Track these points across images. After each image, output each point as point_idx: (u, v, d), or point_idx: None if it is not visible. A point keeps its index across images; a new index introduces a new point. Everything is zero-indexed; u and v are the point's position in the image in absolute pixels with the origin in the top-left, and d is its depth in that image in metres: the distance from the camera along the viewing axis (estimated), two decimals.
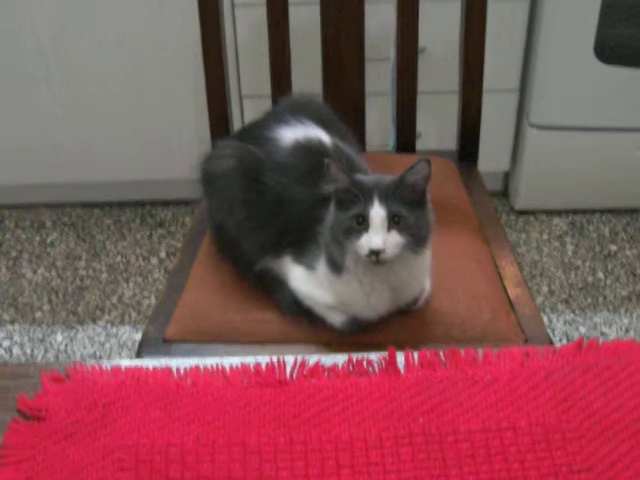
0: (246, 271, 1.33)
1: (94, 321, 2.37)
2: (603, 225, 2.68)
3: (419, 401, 0.87)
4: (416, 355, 0.93)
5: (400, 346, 0.95)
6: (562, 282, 2.47)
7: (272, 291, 1.31)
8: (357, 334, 1.25)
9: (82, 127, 2.53)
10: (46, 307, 2.42)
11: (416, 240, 1.12)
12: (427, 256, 1.21)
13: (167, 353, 1.28)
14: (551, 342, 1.28)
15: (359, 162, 1.33)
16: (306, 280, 1.26)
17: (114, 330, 2.34)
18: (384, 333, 1.25)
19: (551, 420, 0.85)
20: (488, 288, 1.36)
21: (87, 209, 2.80)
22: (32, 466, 0.81)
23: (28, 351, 2.27)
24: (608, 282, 2.47)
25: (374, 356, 0.93)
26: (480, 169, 1.73)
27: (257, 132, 1.34)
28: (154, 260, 2.59)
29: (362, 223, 1.09)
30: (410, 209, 1.10)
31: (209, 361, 0.93)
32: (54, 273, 2.53)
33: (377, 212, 1.09)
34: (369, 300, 1.21)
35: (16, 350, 2.28)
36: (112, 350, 2.27)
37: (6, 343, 2.30)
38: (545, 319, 2.29)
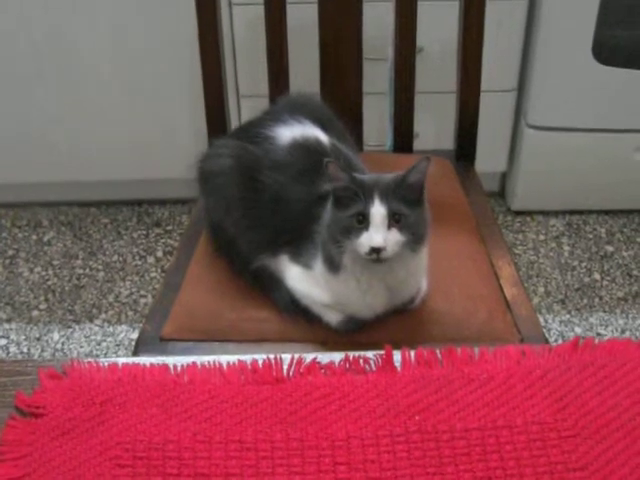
0: (243, 270, 1.33)
1: (91, 320, 2.37)
2: (600, 226, 2.69)
3: (415, 399, 0.87)
4: (413, 353, 0.93)
5: (396, 345, 0.95)
6: (558, 283, 2.47)
7: (269, 290, 1.32)
8: (353, 333, 1.26)
9: (79, 126, 2.52)
10: (43, 306, 2.42)
11: (415, 238, 1.12)
12: (424, 255, 1.21)
13: (164, 352, 1.28)
14: (547, 342, 1.28)
15: (357, 161, 1.34)
16: (303, 279, 1.26)
17: (111, 329, 2.34)
18: (380, 332, 1.25)
19: (547, 418, 0.85)
20: (484, 288, 1.36)
21: (84, 208, 2.80)
22: (30, 462, 0.82)
23: (25, 350, 2.27)
24: (604, 283, 2.47)
25: (371, 354, 0.93)
26: (477, 169, 1.73)
27: (254, 131, 1.34)
28: (151, 259, 2.59)
29: (362, 221, 1.10)
30: (410, 207, 1.11)
31: (206, 359, 0.94)
32: (51, 272, 2.53)
33: (378, 210, 1.09)
34: (366, 299, 1.21)
35: (13, 349, 2.28)
36: (109, 349, 2.27)
37: (3, 342, 2.30)
38: (541, 320, 2.29)
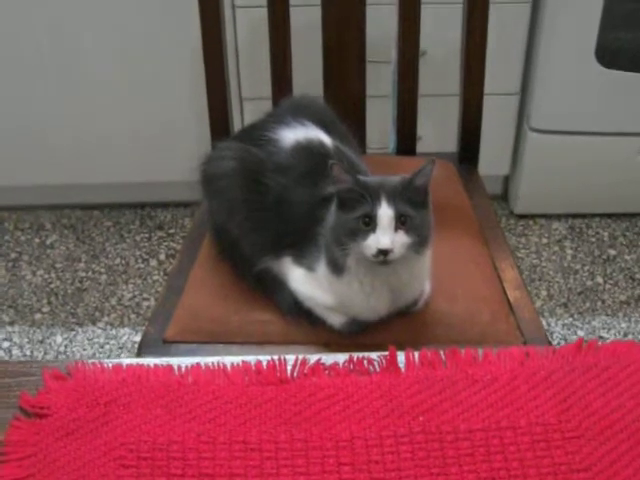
0: (246, 272, 1.33)
1: (93, 323, 2.37)
2: (602, 230, 2.69)
3: (419, 400, 0.87)
4: (416, 354, 0.93)
5: (400, 347, 0.95)
6: (561, 286, 2.47)
7: (272, 292, 1.32)
8: (357, 335, 1.26)
9: (81, 129, 2.52)
10: (45, 309, 2.42)
11: (420, 240, 1.12)
12: (427, 257, 1.21)
13: (167, 354, 1.28)
14: (550, 345, 1.28)
15: (360, 164, 1.34)
16: (306, 281, 1.26)
17: (113, 332, 2.34)
18: (384, 334, 1.25)
19: (551, 419, 0.85)
20: (487, 290, 1.36)
21: (86, 211, 2.80)
22: (34, 463, 0.82)
23: (28, 352, 2.27)
24: (607, 286, 2.47)
25: (375, 355, 0.94)
26: (480, 172, 1.73)
27: (257, 133, 1.34)
28: (153, 262, 2.59)
29: (369, 223, 1.10)
30: (415, 209, 1.11)
31: (210, 360, 0.94)
32: (53, 275, 2.54)
33: (385, 212, 1.09)
34: (369, 301, 1.21)
35: (15, 351, 2.28)
36: (111, 352, 2.28)
37: (5, 344, 2.30)
38: (544, 323, 2.29)
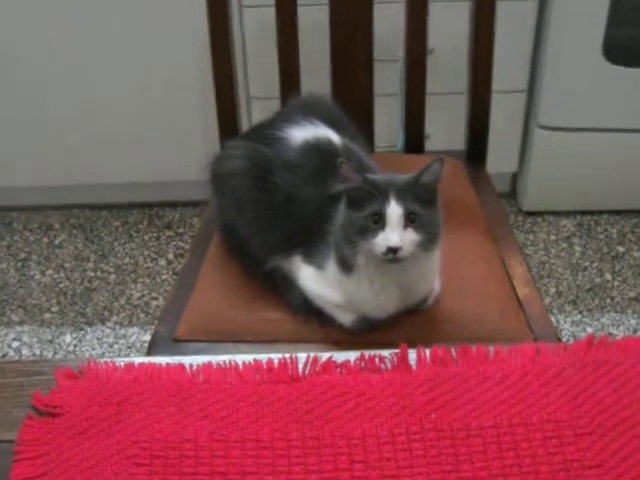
0: (255, 271, 1.33)
1: (103, 322, 2.37)
2: (611, 226, 2.68)
3: (431, 397, 0.87)
4: (428, 352, 0.94)
5: (410, 345, 0.95)
6: (570, 283, 2.47)
7: (281, 291, 1.32)
8: (367, 333, 1.26)
9: (89, 129, 2.53)
10: (55, 308, 2.43)
11: (429, 238, 1.12)
12: (436, 255, 1.21)
13: (177, 352, 1.28)
14: (560, 341, 1.28)
15: (368, 162, 1.34)
16: (316, 279, 1.26)
17: (122, 331, 2.34)
18: (394, 332, 1.25)
19: (562, 416, 0.85)
20: (497, 288, 1.36)
21: (95, 211, 2.81)
22: (47, 462, 0.82)
23: (37, 352, 2.28)
24: (616, 283, 2.47)
25: (386, 353, 0.94)
26: (488, 170, 1.73)
27: (266, 132, 1.34)
28: (162, 261, 2.59)
29: (378, 221, 1.10)
30: (424, 207, 1.11)
31: (221, 358, 0.94)
32: (62, 274, 2.54)
33: (394, 210, 1.09)
34: (379, 299, 1.21)
35: (25, 351, 2.29)
36: (121, 351, 2.28)
37: (15, 344, 2.31)
38: (552, 320, 2.29)
